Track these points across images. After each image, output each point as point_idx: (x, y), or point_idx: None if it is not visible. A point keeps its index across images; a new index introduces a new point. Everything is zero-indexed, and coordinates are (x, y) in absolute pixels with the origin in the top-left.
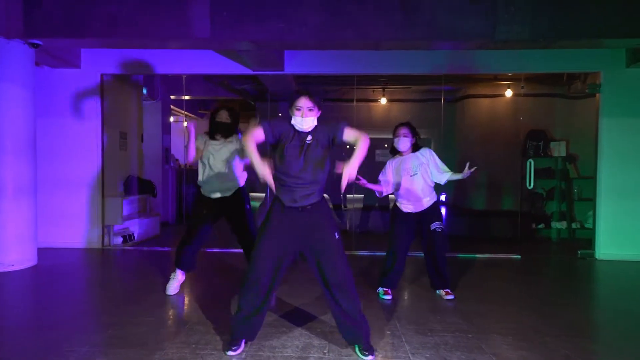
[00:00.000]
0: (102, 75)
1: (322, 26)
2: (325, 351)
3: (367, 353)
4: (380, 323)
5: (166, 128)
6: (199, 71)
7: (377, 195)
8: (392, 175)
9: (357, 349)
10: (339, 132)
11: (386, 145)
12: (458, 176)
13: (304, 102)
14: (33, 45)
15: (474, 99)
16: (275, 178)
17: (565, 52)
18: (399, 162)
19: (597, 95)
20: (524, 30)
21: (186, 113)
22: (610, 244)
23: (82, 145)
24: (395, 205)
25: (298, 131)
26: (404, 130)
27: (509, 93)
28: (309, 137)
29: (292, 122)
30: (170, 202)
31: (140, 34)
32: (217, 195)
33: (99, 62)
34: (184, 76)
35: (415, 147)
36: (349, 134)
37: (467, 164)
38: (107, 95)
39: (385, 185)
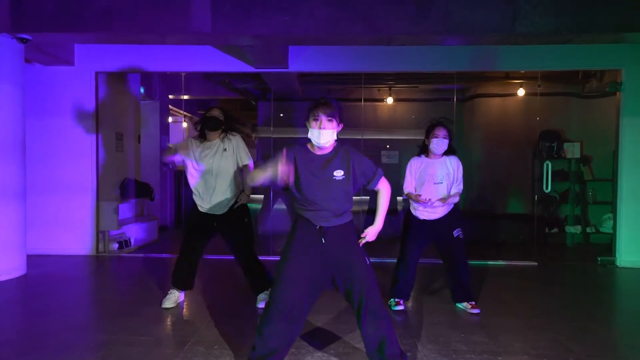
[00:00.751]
0: (97, 73)
1: (330, 19)
2: None
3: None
4: None
5: (164, 129)
6: (199, 69)
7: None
8: (414, 177)
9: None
10: (373, 181)
11: (388, 147)
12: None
13: (322, 110)
14: (22, 40)
15: (485, 98)
16: (294, 207)
17: (585, 49)
18: (424, 164)
19: (618, 94)
20: (547, 23)
21: (185, 113)
22: (632, 250)
23: (76, 146)
24: (409, 211)
25: (318, 155)
26: (444, 132)
27: (521, 92)
28: (339, 173)
29: (309, 135)
30: (168, 206)
31: (138, 27)
32: (207, 209)
33: (93, 59)
34: (183, 74)
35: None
36: (382, 184)
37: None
38: (102, 94)
39: (409, 185)
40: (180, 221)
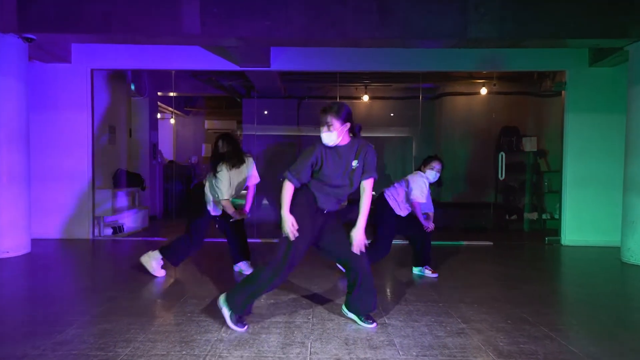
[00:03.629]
0: (92, 70)
1: (306, 25)
2: (309, 317)
3: (370, 321)
4: None
5: (153, 124)
6: (188, 67)
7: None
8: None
9: (359, 319)
10: (366, 175)
11: (374, 146)
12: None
13: (322, 117)
14: (27, 39)
15: (451, 96)
16: (314, 183)
17: (533, 52)
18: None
19: (563, 92)
20: (492, 30)
21: (172, 110)
22: (575, 230)
23: (73, 138)
24: (391, 209)
25: (336, 148)
26: (438, 166)
27: (483, 91)
28: (355, 163)
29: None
30: (157, 197)
31: (132, 30)
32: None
33: (89, 58)
34: (173, 72)
35: None
36: (368, 184)
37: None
38: (97, 90)
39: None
40: (168, 212)
